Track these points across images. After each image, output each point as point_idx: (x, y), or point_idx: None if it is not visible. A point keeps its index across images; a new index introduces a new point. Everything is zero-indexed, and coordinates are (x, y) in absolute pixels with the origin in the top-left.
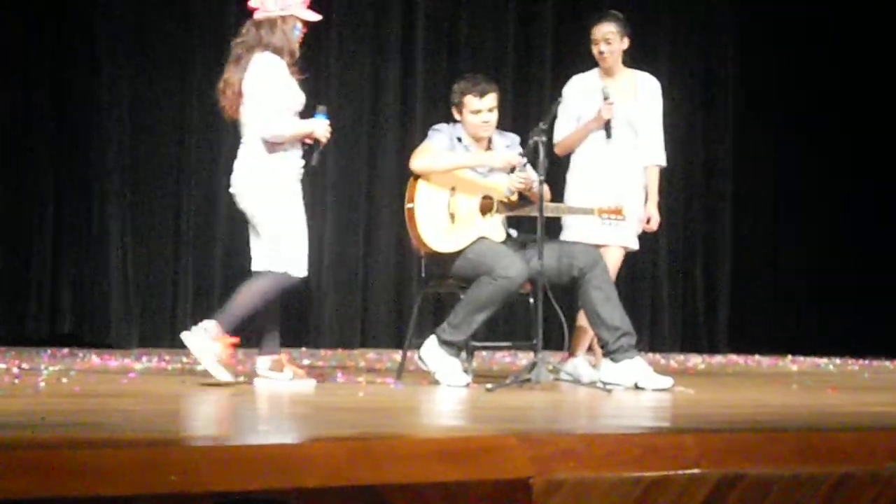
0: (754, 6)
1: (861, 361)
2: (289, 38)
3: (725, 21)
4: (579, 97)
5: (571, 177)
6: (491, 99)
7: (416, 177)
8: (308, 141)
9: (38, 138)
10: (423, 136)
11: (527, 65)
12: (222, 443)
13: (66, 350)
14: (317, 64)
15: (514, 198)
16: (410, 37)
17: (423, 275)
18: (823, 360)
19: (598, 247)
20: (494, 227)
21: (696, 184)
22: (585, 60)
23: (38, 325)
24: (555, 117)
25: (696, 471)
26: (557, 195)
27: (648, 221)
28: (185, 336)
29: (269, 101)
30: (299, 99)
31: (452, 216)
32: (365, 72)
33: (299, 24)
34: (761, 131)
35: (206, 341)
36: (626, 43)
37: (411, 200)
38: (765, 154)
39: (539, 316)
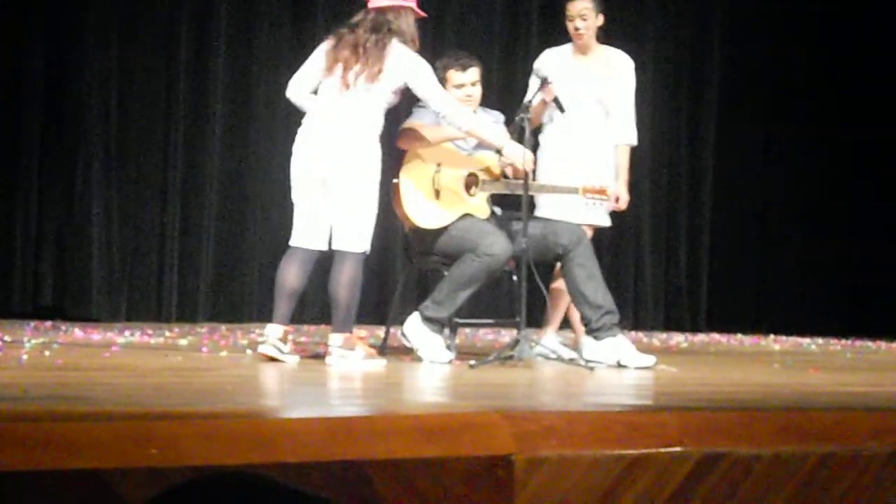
0: None
1: (843, 341)
2: (411, 28)
3: (711, 6)
4: (550, 72)
5: (542, 156)
6: (473, 73)
7: (403, 152)
8: None
9: (24, 113)
10: (408, 113)
11: (513, 40)
12: (202, 417)
13: (49, 323)
14: (303, 39)
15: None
16: None
17: (407, 251)
18: (805, 340)
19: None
20: (479, 204)
21: (681, 164)
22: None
23: (22, 298)
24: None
25: (677, 449)
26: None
27: (617, 200)
28: (332, 365)
29: (441, 89)
30: (399, 97)
31: (437, 192)
32: None
33: (413, 18)
34: (747, 110)
35: (349, 359)
36: (600, 20)
37: (397, 176)
38: (750, 133)
39: (522, 293)
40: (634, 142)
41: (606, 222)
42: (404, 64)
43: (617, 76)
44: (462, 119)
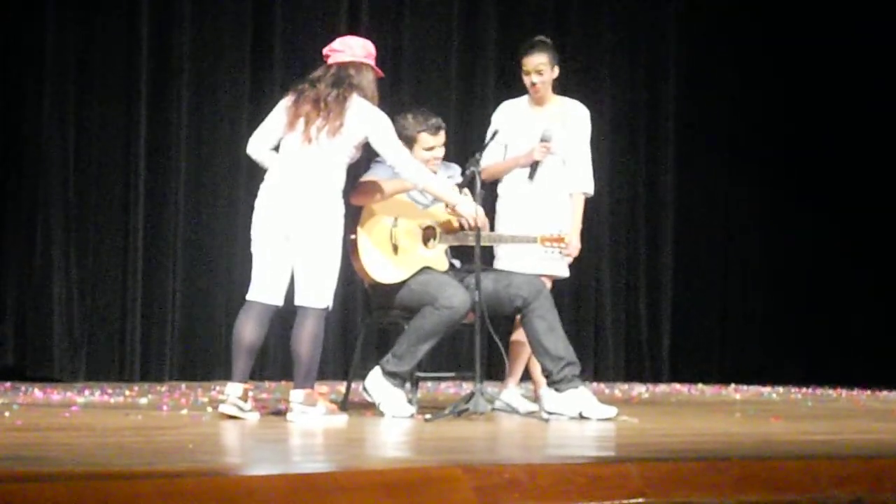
0: (695, 34)
1: (804, 390)
2: (370, 84)
3: (667, 46)
4: (507, 125)
5: (500, 206)
6: (442, 135)
7: (360, 208)
8: None
9: None
10: (366, 168)
11: (470, 88)
12: (163, 476)
13: (8, 384)
14: (260, 95)
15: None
16: None
17: (367, 306)
18: (766, 389)
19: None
20: (437, 257)
21: (639, 214)
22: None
23: None
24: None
25: (640, 500)
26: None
27: (566, 247)
28: (294, 422)
29: (399, 145)
30: (360, 153)
31: (395, 247)
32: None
33: (372, 75)
34: (703, 160)
35: (310, 415)
36: (556, 72)
37: (354, 232)
38: (707, 184)
39: (478, 346)
40: (590, 191)
41: (565, 273)
42: (365, 117)
43: (573, 126)
44: (418, 175)
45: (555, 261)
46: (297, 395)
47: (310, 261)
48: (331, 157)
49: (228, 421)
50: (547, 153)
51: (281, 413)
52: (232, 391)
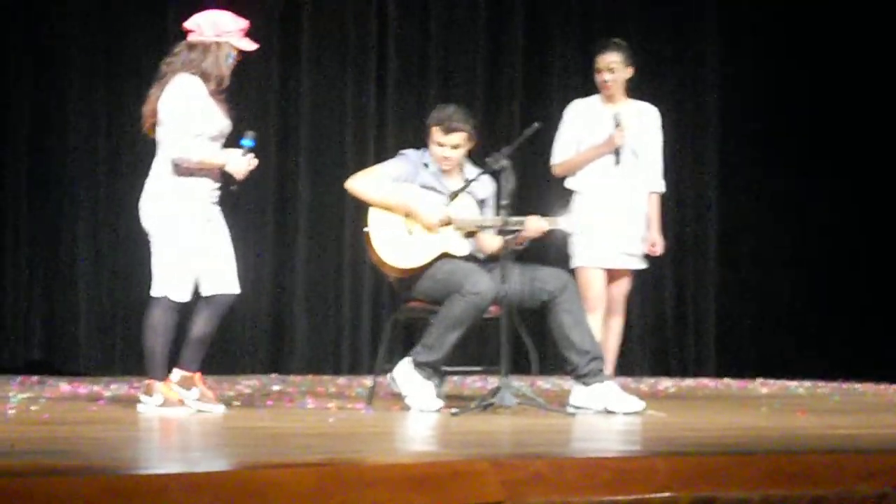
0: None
1: (831, 384)
2: (220, 64)
3: (708, 46)
4: (580, 122)
5: (580, 201)
6: (456, 137)
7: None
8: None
9: (8, 168)
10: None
11: (497, 91)
12: (191, 469)
13: (35, 378)
14: (287, 89)
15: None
16: (382, 63)
17: (393, 300)
18: (793, 383)
19: (611, 272)
20: (456, 241)
21: (669, 208)
22: (554, 85)
23: (12, 354)
24: (528, 142)
25: (667, 494)
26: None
27: (654, 246)
28: (146, 411)
29: (179, 123)
30: (219, 125)
31: (410, 231)
32: (338, 97)
33: (233, 53)
34: (747, 156)
35: (148, 405)
36: (629, 72)
37: (366, 224)
38: (741, 178)
39: (504, 340)
40: (663, 189)
41: (644, 265)
42: (167, 90)
43: (647, 127)
44: (185, 151)
45: (633, 255)
46: (176, 374)
47: (155, 251)
48: (161, 148)
49: (253, 415)
50: (623, 136)
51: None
52: (173, 376)
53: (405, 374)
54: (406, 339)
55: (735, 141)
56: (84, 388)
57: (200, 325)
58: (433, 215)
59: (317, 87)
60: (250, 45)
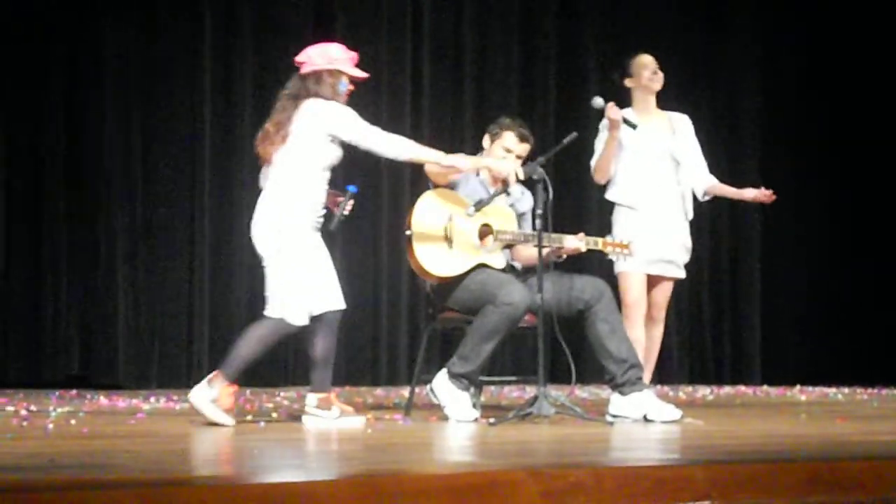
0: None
1: (870, 390)
2: (336, 91)
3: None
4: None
5: (619, 211)
6: (525, 149)
7: (412, 205)
8: (332, 206)
9: (47, 184)
10: None
11: (531, 101)
12: (229, 482)
13: (74, 392)
14: None
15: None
16: (417, 74)
17: (430, 310)
18: (832, 390)
19: (651, 278)
20: (494, 254)
21: (699, 216)
22: (587, 94)
23: (52, 369)
24: (562, 150)
25: (706, 503)
26: (582, 225)
27: (767, 195)
28: (311, 425)
29: (359, 124)
30: (338, 154)
31: (450, 241)
32: (376, 107)
33: (345, 80)
34: (789, 160)
35: (203, 390)
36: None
37: (409, 227)
38: (786, 187)
39: (541, 349)
40: (715, 180)
41: (683, 274)
42: (316, 114)
43: (682, 134)
44: (394, 146)
45: (674, 263)
46: (311, 399)
47: (267, 273)
48: (287, 169)
49: (292, 427)
50: (614, 108)
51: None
52: (309, 401)
53: (442, 385)
54: (443, 350)
55: (776, 145)
56: (123, 401)
57: (320, 346)
58: (506, 166)
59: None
60: (361, 74)
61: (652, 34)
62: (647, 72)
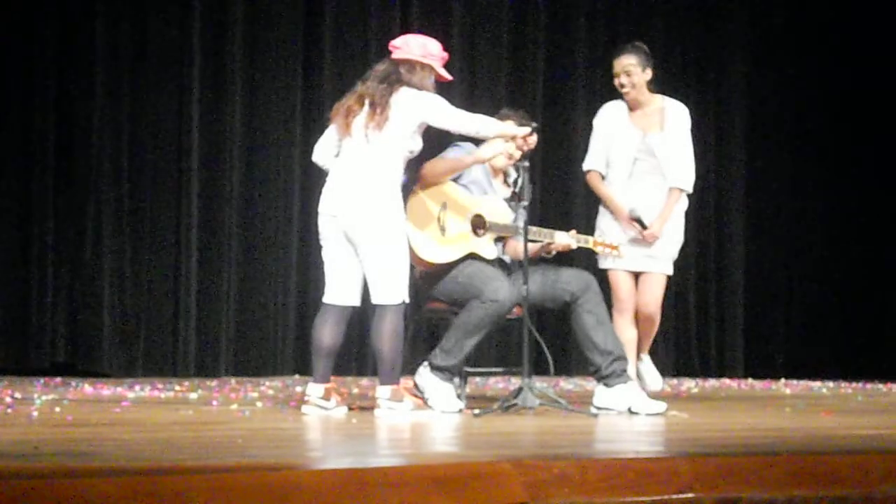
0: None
1: (854, 384)
2: (425, 84)
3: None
4: (605, 128)
5: (603, 210)
6: (533, 140)
7: (407, 193)
8: None
9: (34, 171)
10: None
11: (519, 90)
12: (214, 471)
13: (59, 379)
14: (310, 85)
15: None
16: None
17: (416, 299)
18: (817, 384)
19: (638, 274)
20: (485, 245)
21: (691, 209)
22: (576, 93)
23: (38, 356)
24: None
25: (690, 495)
26: (568, 221)
27: (645, 229)
28: (381, 417)
29: (458, 110)
30: (420, 144)
31: (443, 229)
32: None
33: (433, 77)
34: (772, 151)
35: (398, 411)
36: (648, 74)
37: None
38: (769, 180)
39: (526, 341)
40: (688, 188)
41: (670, 271)
42: (410, 101)
43: (670, 126)
44: (483, 125)
45: (662, 259)
46: (383, 391)
47: (376, 259)
48: (383, 152)
49: (276, 416)
50: (644, 233)
51: (369, 409)
52: (313, 391)
53: (425, 378)
54: (430, 339)
55: (761, 140)
56: (108, 389)
57: (386, 335)
58: (489, 149)
59: (338, 91)
60: (448, 76)
61: (642, 21)
62: (616, 80)
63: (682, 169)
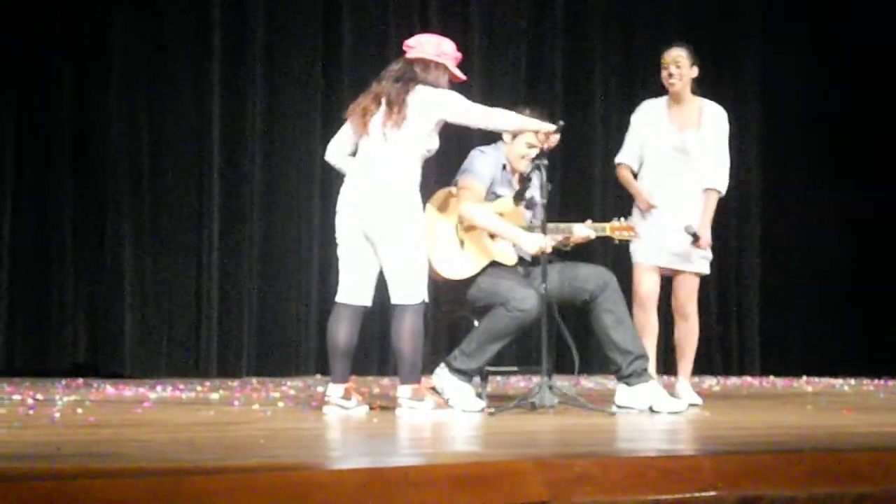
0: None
1: (876, 381)
2: (439, 82)
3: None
4: (644, 124)
5: (636, 211)
6: (554, 139)
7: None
8: None
9: (54, 173)
10: (456, 158)
11: (537, 91)
12: (235, 471)
13: (80, 380)
14: (331, 88)
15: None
16: None
17: (436, 300)
18: (838, 381)
19: (673, 272)
20: (505, 250)
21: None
22: (593, 95)
23: (59, 357)
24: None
25: (712, 493)
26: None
27: (697, 241)
28: (403, 417)
29: (475, 105)
30: (437, 143)
31: (462, 242)
32: None
33: (447, 76)
34: (790, 152)
35: (419, 410)
36: (695, 71)
37: None
38: (789, 181)
39: (545, 340)
40: (722, 189)
41: (706, 270)
42: (428, 100)
43: (706, 126)
44: (505, 120)
45: (694, 258)
46: (404, 390)
47: (395, 258)
48: (401, 151)
49: (298, 416)
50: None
51: (390, 408)
52: (333, 392)
53: (444, 379)
54: (450, 337)
55: (779, 139)
56: (129, 390)
57: (407, 335)
58: (533, 244)
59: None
60: (461, 76)
61: (659, 20)
62: (664, 72)
63: (718, 170)
